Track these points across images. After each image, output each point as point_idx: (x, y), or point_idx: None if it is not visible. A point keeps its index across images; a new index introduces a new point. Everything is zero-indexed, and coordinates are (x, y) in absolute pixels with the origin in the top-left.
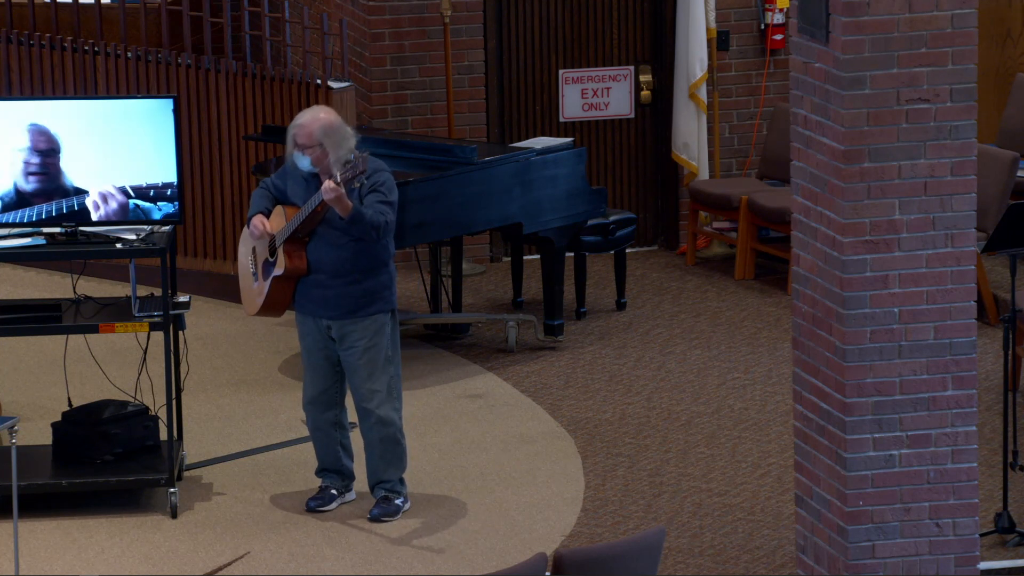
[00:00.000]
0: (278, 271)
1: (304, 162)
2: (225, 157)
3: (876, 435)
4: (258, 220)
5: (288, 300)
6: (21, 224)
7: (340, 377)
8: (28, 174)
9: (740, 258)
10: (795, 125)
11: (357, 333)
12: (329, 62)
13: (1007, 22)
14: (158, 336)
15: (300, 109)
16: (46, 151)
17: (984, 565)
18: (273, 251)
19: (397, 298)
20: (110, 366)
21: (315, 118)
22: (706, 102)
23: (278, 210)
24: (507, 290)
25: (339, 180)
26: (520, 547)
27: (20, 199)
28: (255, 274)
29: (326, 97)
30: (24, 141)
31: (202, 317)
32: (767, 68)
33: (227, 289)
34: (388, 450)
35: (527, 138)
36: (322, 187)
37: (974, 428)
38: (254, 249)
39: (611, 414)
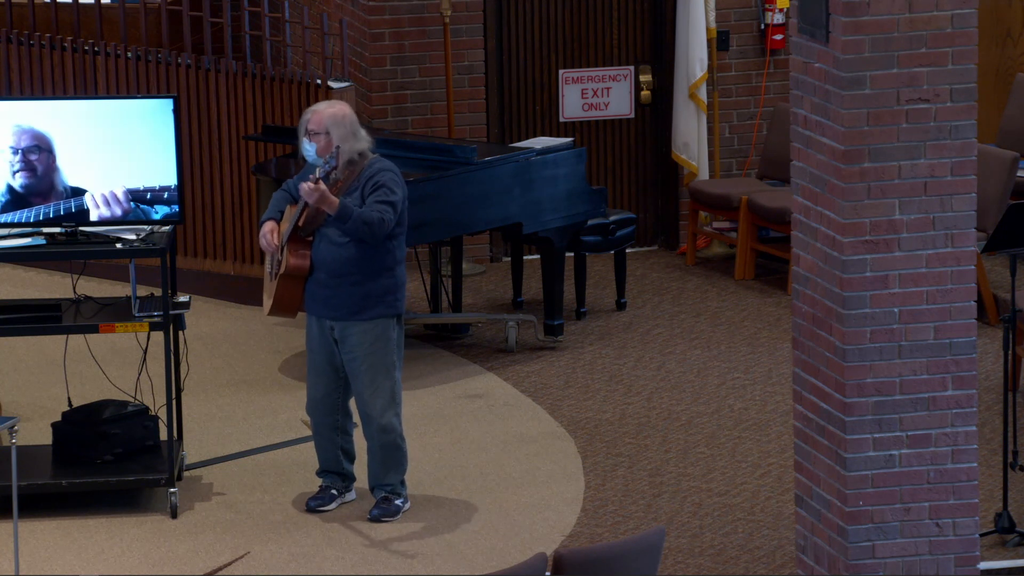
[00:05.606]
0: (281, 269)
1: (311, 150)
2: (225, 157)
3: (876, 435)
4: (268, 230)
5: (297, 301)
6: (21, 224)
7: (343, 383)
8: (15, 172)
9: (740, 258)
10: (795, 125)
11: (357, 337)
12: (329, 62)
13: (1007, 22)
14: (158, 336)
15: (300, 109)
16: (31, 148)
17: (984, 565)
18: (282, 250)
19: (405, 304)
20: (110, 366)
21: (329, 106)
22: (706, 102)
23: (288, 210)
24: (507, 290)
25: (318, 177)
26: (520, 547)
27: (16, 199)
28: (271, 273)
29: (326, 97)
30: (10, 140)
31: (202, 317)
32: (767, 68)
33: (227, 289)
34: (389, 455)
35: (527, 138)
36: (300, 188)
37: (974, 428)
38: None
39: (611, 414)
